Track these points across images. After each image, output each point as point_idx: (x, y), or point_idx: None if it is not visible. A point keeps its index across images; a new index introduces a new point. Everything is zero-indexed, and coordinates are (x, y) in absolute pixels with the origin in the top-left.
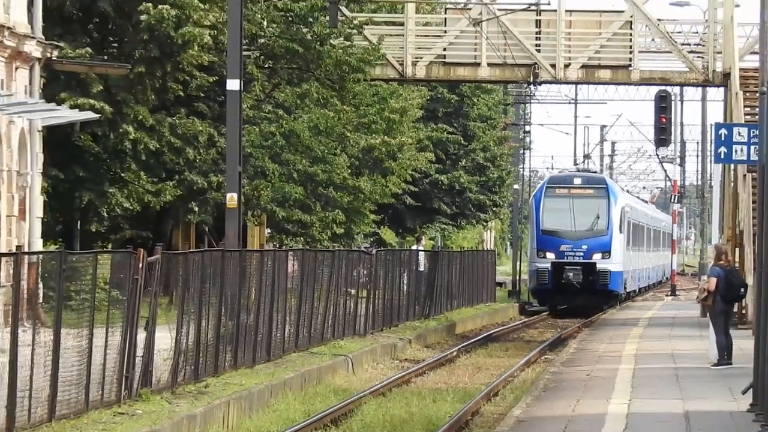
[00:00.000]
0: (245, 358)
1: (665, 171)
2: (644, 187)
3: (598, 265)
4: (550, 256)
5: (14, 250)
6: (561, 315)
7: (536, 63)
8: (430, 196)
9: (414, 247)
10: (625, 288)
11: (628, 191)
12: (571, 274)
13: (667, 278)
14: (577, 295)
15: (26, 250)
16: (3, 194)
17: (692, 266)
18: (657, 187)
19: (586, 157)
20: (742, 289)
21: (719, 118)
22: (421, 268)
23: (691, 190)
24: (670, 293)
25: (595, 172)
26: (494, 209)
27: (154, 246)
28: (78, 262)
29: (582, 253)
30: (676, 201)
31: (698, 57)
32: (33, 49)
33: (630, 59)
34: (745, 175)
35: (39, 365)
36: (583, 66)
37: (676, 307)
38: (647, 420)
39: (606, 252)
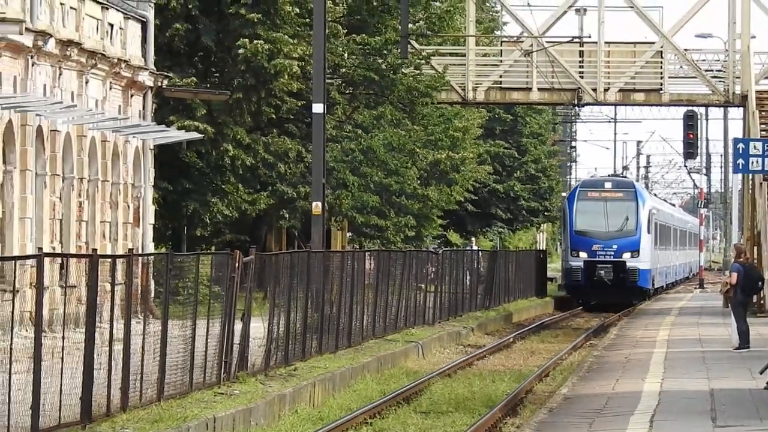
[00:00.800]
0: (329, 345)
1: (693, 180)
2: (675, 193)
3: (627, 264)
4: (583, 254)
5: (127, 253)
6: (592, 309)
7: (579, 87)
8: (488, 203)
9: (468, 248)
10: (653, 284)
11: (655, 194)
12: (603, 271)
13: (693, 274)
14: (608, 291)
15: (139, 252)
16: (120, 204)
17: (717, 262)
18: (687, 194)
19: (625, 168)
20: (760, 283)
21: (739, 134)
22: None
23: (716, 196)
24: (698, 286)
25: (625, 177)
26: (545, 214)
27: (250, 248)
28: (183, 263)
29: (612, 252)
30: (702, 206)
31: (720, 81)
32: (146, 78)
33: (661, 83)
34: (761, 183)
35: (149, 352)
36: (621, 90)
37: (704, 299)
38: (677, 396)
39: (635, 251)
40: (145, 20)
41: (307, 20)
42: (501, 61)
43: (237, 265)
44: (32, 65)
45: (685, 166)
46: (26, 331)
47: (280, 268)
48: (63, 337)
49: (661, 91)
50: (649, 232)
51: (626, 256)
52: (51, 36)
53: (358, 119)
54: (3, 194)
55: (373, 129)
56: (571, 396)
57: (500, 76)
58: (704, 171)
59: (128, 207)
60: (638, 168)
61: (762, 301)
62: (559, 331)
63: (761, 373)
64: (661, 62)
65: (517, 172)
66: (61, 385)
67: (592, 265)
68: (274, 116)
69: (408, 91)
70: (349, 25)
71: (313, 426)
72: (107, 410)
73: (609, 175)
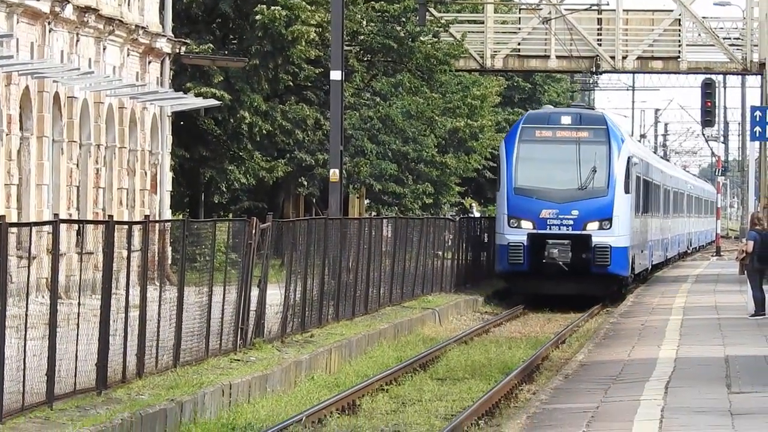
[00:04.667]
0: (346, 312)
1: (711, 148)
2: (693, 162)
3: (594, 238)
4: (527, 225)
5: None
6: (541, 307)
7: (598, 55)
8: None
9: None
10: (632, 269)
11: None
12: (556, 250)
13: (696, 247)
14: (564, 279)
15: (157, 219)
16: (137, 171)
17: (734, 230)
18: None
19: (642, 136)
20: None
21: (757, 102)
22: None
23: (733, 164)
24: (715, 254)
25: (591, 108)
26: None
27: (267, 215)
28: (200, 230)
29: (571, 222)
30: (720, 174)
31: (738, 49)
32: (164, 45)
33: (679, 51)
34: None
35: (165, 319)
36: (639, 57)
37: (720, 266)
38: (692, 363)
39: (605, 220)
40: None
41: None
42: (519, 28)
43: (254, 232)
44: (49, 31)
45: (703, 134)
46: (42, 297)
47: (297, 235)
48: (79, 304)
49: (679, 59)
50: (627, 191)
51: (592, 227)
52: (68, 2)
53: (376, 87)
54: (20, 161)
55: (392, 97)
56: (587, 363)
57: (518, 44)
58: (722, 139)
59: (145, 174)
60: (656, 136)
61: None
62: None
63: None
64: (679, 30)
65: None
66: (76, 351)
67: (539, 240)
68: (291, 83)
69: (426, 59)
70: None
71: (329, 392)
72: (123, 377)
73: (568, 105)
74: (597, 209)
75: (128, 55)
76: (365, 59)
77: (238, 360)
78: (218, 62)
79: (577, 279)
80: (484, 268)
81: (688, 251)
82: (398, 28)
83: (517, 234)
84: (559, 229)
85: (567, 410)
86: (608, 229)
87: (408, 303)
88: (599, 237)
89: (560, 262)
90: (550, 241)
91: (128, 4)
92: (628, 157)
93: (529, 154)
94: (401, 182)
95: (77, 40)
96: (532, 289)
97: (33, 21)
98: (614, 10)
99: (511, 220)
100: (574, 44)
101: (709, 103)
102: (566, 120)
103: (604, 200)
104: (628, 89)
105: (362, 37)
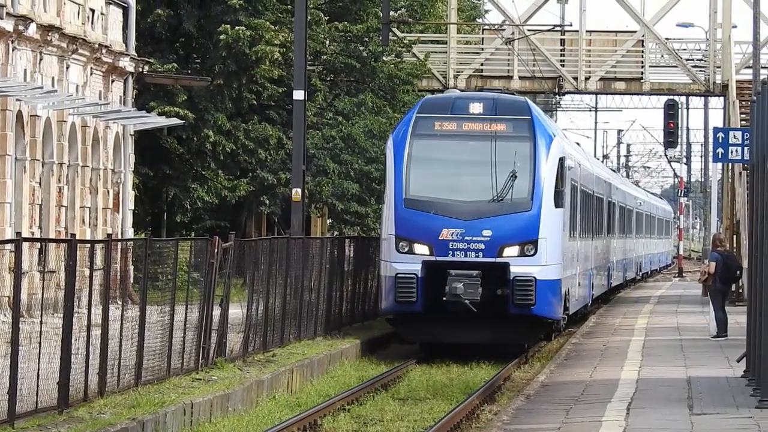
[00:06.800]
0: (308, 331)
1: (673, 169)
2: (656, 183)
3: (513, 269)
4: (421, 250)
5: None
6: (442, 357)
7: (561, 76)
8: None
9: None
10: (565, 308)
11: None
12: (461, 285)
13: (647, 272)
14: (473, 324)
15: (119, 238)
16: (100, 189)
17: (697, 251)
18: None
19: (605, 157)
20: (738, 272)
21: (720, 124)
22: None
23: (695, 185)
24: (677, 275)
25: (508, 91)
26: None
27: (230, 234)
28: (162, 248)
29: (482, 246)
30: (682, 195)
31: (701, 71)
32: (127, 64)
33: (642, 72)
34: (740, 173)
35: (127, 337)
36: (602, 78)
37: (682, 287)
38: (655, 384)
39: (529, 243)
40: (126, 6)
41: (289, 7)
42: (482, 49)
43: (216, 251)
44: (13, 50)
45: (666, 155)
46: (4, 315)
47: (259, 254)
48: (41, 322)
49: (642, 80)
50: (559, 205)
51: (510, 252)
52: (32, 21)
53: (338, 106)
54: None
55: (354, 116)
56: (549, 383)
57: (481, 64)
58: (684, 160)
59: (108, 192)
60: (618, 156)
61: (740, 290)
62: None
63: (738, 361)
64: (642, 51)
65: None
66: (38, 369)
67: (438, 270)
68: (255, 102)
69: (389, 79)
70: (331, 12)
71: (290, 412)
72: (85, 395)
73: (477, 89)
74: (517, 228)
75: (91, 73)
76: (328, 79)
77: (200, 379)
78: (182, 81)
79: (489, 323)
80: None
81: (637, 277)
82: (361, 48)
83: (408, 262)
84: (466, 255)
85: (528, 431)
86: (532, 255)
87: (370, 322)
88: (520, 266)
89: (466, 301)
90: (453, 272)
91: (92, 23)
92: (560, 159)
93: (425, 154)
94: (363, 202)
95: (40, 59)
96: (428, 337)
97: None
98: (577, 31)
99: (401, 243)
100: (537, 65)
101: (672, 124)
102: (476, 108)
103: (527, 216)
104: (591, 110)
105: (325, 56)
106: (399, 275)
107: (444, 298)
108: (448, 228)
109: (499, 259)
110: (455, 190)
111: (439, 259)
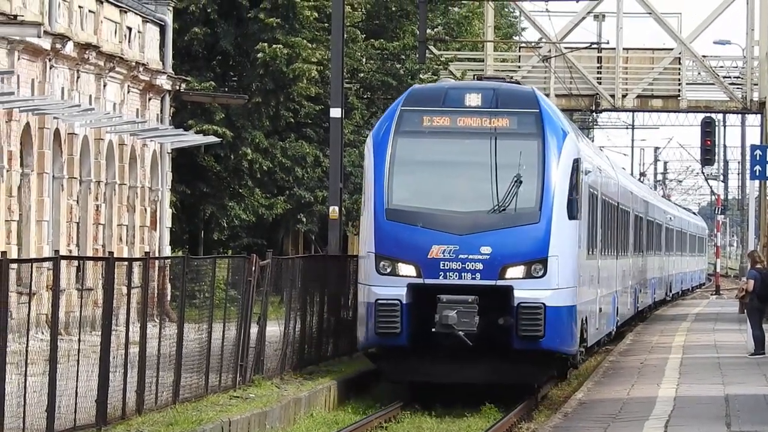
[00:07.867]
0: (344, 348)
1: (710, 186)
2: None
3: (517, 293)
4: (407, 270)
5: (144, 257)
6: (434, 398)
7: (598, 93)
8: None
9: None
10: (582, 339)
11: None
12: (454, 312)
13: (677, 293)
14: (468, 360)
15: (156, 256)
16: (137, 207)
17: (734, 269)
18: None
19: (642, 174)
20: None
21: (757, 141)
22: None
23: (733, 203)
24: (714, 292)
25: (512, 80)
26: None
27: (267, 252)
28: (200, 266)
29: (480, 265)
30: (720, 212)
31: (738, 88)
32: (164, 82)
33: (679, 90)
34: None
35: (165, 355)
36: (638, 96)
37: (720, 305)
38: (692, 402)
39: (536, 262)
40: (163, 24)
41: (326, 25)
42: (519, 66)
43: (253, 269)
44: (50, 68)
45: (703, 172)
46: (42, 333)
47: (297, 272)
48: (79, 340)
49: (678, 98)
50: (573, 216)
51: (515, 273)
52: (69, 39)
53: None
54: (20, 197)
55: None
56: (586, 401)
57: (518, 82)
58: (721, 177)
59: (145, 210)
60: (655, 174)
61: None
62: None
63: None
64: (679, 68)
65: None
66: (76, 387)
67: (427, 295)
68: (292, 120)
69: None
70: (368, 30)
71: (328, 430)
72: (122, 413)
73: (476, 78)
74: (522, 245)
75: (128, 91)
76: (365, 96)
77: (238, 397)
78: (219, 99)
79: (489, 359)
80: None
81: (667, 298)
82: (398, 66)
83: (390, 285)
84: (460, 277)
85: None
86: (541, 276)
87: None
88: (526, 290)
89: (460, 332)
90: (445, 298)
91: (129, 42)
92: (575, 160)
93: (411, 155)
94: None
95: (78, 77)
96: (415, 376)
97: (34, 58)
98: (614, 49)
99: (382, 263)
100: (573, 82)
101: (709, 142)
102: (473, 99)
103: (535, 230)
104: (627, 128)
105: (362, 74)
106: (379, 301)
107: (433, 329)
108: (438, 244)
109: (500, 282)
110: (447, 199)
111: (427, 281)
